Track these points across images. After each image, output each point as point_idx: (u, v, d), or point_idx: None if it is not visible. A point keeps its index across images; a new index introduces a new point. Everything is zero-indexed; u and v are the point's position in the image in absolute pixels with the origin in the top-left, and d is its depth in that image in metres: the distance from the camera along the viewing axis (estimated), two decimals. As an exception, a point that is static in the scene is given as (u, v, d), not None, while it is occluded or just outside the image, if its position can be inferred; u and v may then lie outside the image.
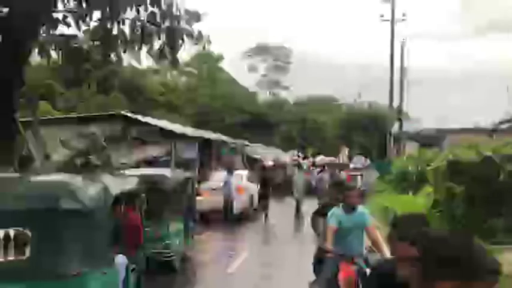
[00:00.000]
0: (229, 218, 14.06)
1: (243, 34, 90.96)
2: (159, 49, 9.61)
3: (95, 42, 9.40)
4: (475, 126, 27.87)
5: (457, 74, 73.23)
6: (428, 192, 14.43)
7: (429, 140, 23.79)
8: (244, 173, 18.07)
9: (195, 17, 9.35)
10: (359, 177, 21.79)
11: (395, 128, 28.86)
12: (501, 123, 9.64)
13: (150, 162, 15.80)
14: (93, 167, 7.85)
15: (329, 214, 5.20)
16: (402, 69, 27.90)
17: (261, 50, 69.00)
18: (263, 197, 15.93)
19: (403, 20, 28.32)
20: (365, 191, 20.06)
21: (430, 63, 65.04)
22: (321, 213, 5.95)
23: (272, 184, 18.19)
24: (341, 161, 25.92)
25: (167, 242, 8.02)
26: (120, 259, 5.31)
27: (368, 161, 24.13)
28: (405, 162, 20.29)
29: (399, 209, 13.81)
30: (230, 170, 15.19)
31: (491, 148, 11.04)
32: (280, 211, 17.58)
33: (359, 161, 23.05)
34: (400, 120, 28.19)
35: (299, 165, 19.17)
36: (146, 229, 7.10)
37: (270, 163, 24.92)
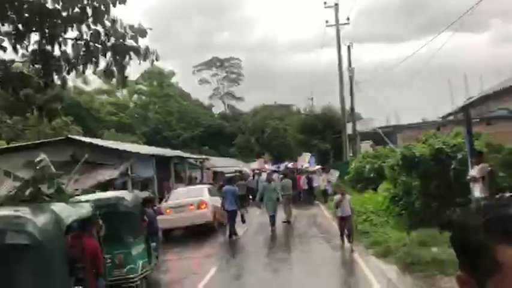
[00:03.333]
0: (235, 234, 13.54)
1: (193, 49, 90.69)
2: (105, 69, 9.25)
3: (36, 66, 8.92)
4: (423, 120, 29.09)
5: (403, 73, 76.25)
6: (386, 187, 14.82)
7: (382, 138, 24.53)
8: (205, 186, 17.78)
9: (141, 32, 9.08)
10: (316, 178, 22.58)
11: (348, 129, 29.57)
12: (447, 115, 10.04)
13: (105, 185, 15.20)
14: (44, 197, 7.41)
15: None
16: (351, 72, 28.65)
17: (212, 63, 68.98)
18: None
19: (346, 23, 29.27)
20: (327, 190, 20.60)
21: (376, 64, 67.50)
22: None
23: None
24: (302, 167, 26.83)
25: (130, 266, 7.71)
26: (80, 291, 5.01)
27: (312, 159, 25.67)
28: (361, 161, 20.78)
29: (361, 208, 14.08)
30: (230, 181, 14.93)
31: (441, 140, 11.47)
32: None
33: (310, 162, 24.38)
34: (353, 121, 28.92)
35: (260, 174, 19.07)
36: (107, 256, 6.77)
37: (231, 174, 24.78)
